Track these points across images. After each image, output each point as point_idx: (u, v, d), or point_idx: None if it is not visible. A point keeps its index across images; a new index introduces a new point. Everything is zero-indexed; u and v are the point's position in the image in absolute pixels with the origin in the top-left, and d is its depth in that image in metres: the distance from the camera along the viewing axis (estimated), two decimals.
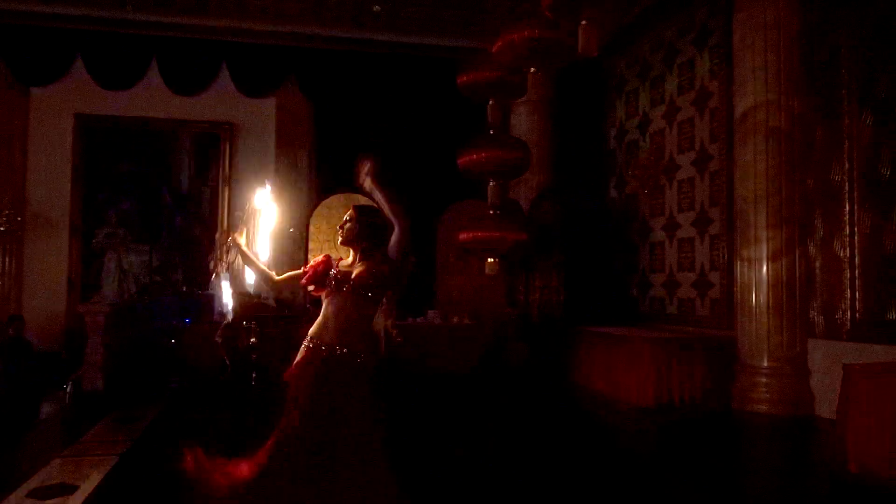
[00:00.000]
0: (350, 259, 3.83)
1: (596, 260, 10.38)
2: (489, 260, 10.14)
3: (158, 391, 7.99)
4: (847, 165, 6.77)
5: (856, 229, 6.70)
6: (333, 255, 3.90)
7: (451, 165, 10.31)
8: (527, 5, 9.29)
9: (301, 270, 3.84)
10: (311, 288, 3.82)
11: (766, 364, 7.32)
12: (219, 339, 8.28)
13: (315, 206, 10.90)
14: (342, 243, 3.88)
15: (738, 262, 7.69)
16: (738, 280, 7.67)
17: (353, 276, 3.69)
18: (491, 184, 10.41)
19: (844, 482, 4.96)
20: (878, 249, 6.49)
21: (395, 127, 11.12)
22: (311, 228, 10.81)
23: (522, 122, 11.34)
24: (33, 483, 4.65)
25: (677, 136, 9.40)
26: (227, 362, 8.18)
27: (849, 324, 6.73)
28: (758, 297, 7.40)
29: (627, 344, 7.96)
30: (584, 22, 7.48)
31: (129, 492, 4.70)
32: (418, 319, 10.01)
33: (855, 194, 6.70)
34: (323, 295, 3.77)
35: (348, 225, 3.85)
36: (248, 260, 3.95)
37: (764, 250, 7.36)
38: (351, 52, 11.34)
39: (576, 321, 9.71)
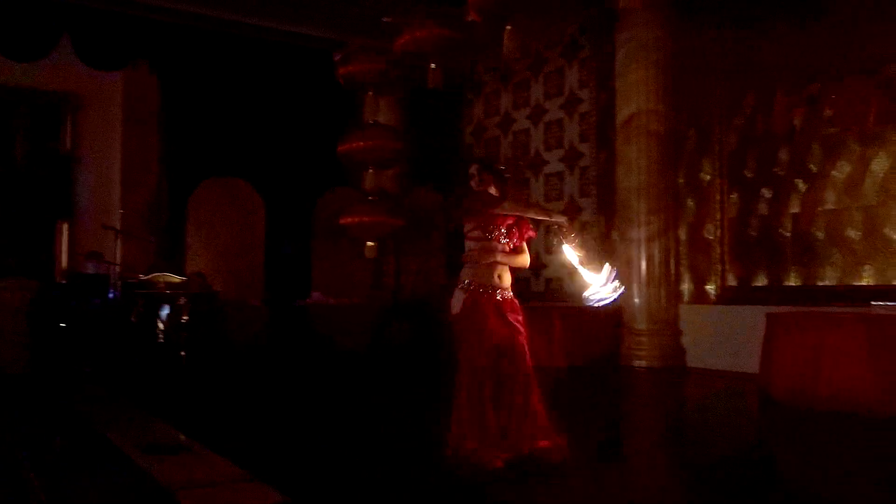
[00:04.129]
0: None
1: None
2: (369, 244, 10.66)
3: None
4: (718, 164, 8.50)
5: (724, 216, 8.44)
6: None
7: (324, 154, 10.64)
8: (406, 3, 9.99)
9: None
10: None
11: (645, 327, 8.82)
12: (134, 320, 7.82)
13: (191, 192, 10.47)
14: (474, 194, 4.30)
15: (621, 243, 9.13)
16: (622, 258, 9.09)
17: (493, 223, 4.18)
18: (370, 171, 10.92)
19: (770, 405, 6.44)
20: (744, 232, 8.27)
21: (263, 114, 11.03)
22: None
23: (380, 114, 11.91)
24: None
25: (544, 135, 10.70)
26: (143, 344, 7.76)
27: (720, 290, 8.46)
28: (638, 270, 8.88)
29: (538, 314, 9.00)
30: (509, 27, 8.46)
31: None
32: (307, 300, 10.16)
33: (724, 187, 8.45)
34: (472, 242, 4.22)
35: (476, 178, 4.27)
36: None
37: (644, 232, 8.86)
38: (213, 32, 10.99)
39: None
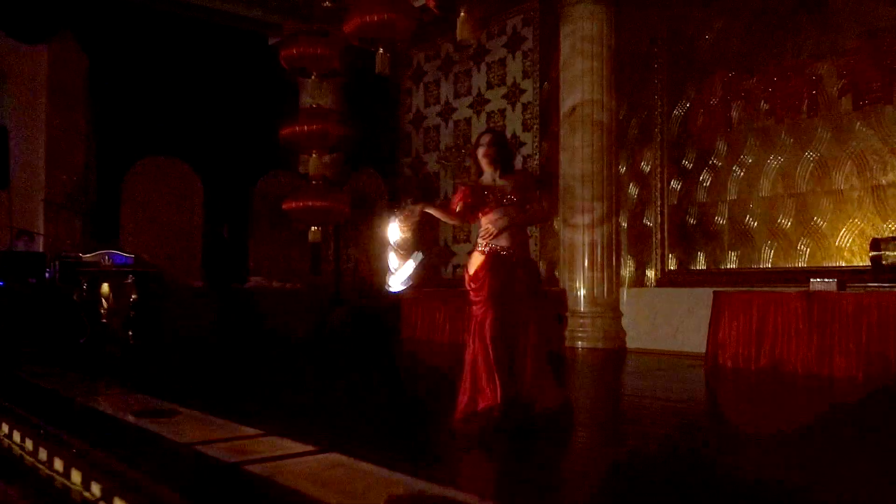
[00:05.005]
0: (487, 178, 4.40)
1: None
2: (312, 228, 10.58)
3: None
4: (658, 153, 8.88)
5: (665, 203, 8.83)
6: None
7: (263, 137, 10.51)
8: None
9: (450, 204, 4.37)
10: (461, 213, 4.34)
11: (588, 310, 9.12)
12: (76, 299, 7.48)
13: (126, 171, 10.09)
14: (485, 166, 4.42)
15: (564, 229, 9.39)
16: (566, 243, 9.37)
17: (508, 190, 4.30)
18: (313, 155, 10.84)
19: (716, 368, 6.81)
20: (683, 219, 8.68)
21: (201, 95, 10.76)
22: None
23: (318, 99, 11.82)
24: None
25: (486, 124, 10.87)
26: (87, 323, 7.43)
27: (660, 274, 8.84)
28: (582, 256, 9.17)
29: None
30: (462, 13, 8.60)
31: None
32: (247, 285, 9.97)
33: (665, 175, 8.83)
34: (481, 214, 4.32)
35: (485, 150, 4.39)
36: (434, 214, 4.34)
37: (587, 219, 9.16)
38: (146, 8, 10.64)
39: None
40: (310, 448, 3.43)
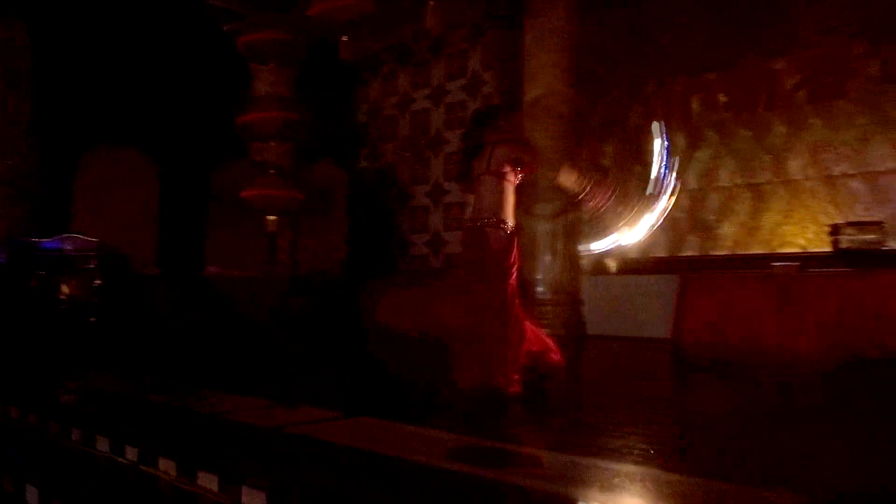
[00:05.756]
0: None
1: (371, 221, 11.32)
2: (269, 217, 10.46)
3: None
4: (620, 144, 9.12)
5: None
6: None
7: (219, 124, 10.30)
8: None
9: None
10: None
11: (549, 297, 9.27)
12: (34, 284, 7.16)
13: (77, 158, 9.70)
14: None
15: (526, 218, 9.51)
16: (528, 233, 9.49)
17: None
18: (271, 144, 10.71)
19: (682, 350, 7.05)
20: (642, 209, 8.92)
21: (156, 81, 10.44)
22: None
23: (274, 87, 11.64)
24: None
25: (445, 115, 10.94)
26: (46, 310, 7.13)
27: (621, 262, 9.06)
28: (544, 244, 9.32)
29: (469, 288, 9.19)
30: (431, 2, 8.67)
31: None
32: (204, 273, 9.75)
33: (626, 166, 9.06)
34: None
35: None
36: None
37: (549, 208, 9.31)
38: None
39: (356, 276, 10.56)
40: (335, 413, 3.42)
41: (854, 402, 4.65)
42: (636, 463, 2.65)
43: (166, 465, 2.65)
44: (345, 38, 9.57)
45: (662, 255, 8.72)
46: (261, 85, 11.19)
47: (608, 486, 2.30)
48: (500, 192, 4.34)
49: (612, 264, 9.22)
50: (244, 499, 2.29)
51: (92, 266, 7.17)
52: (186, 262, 9.86)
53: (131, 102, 10.09)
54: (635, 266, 8.94)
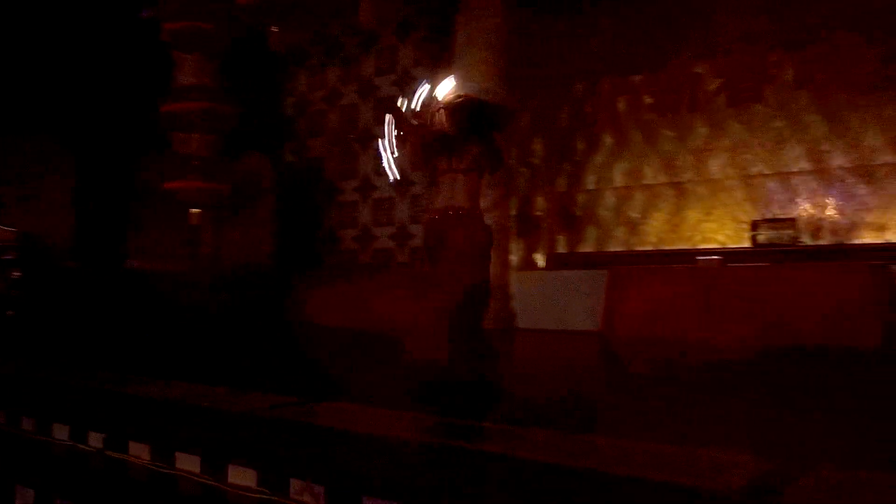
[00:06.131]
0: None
1: (299, 215, 11.16)
2: (193, 210, 10.24)
3: None
4: (548, 143, 9.35)
5: (554, 191, 9.30)
6: None
7: (139, 115, 10.00)
8: None
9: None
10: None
11: None
12: None
13: None
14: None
15: None
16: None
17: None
18: (196, 135, 10.47)
19: (612, 342, 7.29)
20: (571, 206, 9.19)
21: (74, 70, 10.00)
22: None
23: (197, 77, 11.36)
24: None
25: (374, 111, 10.92)
26: None
27: (548, 258, 9.29)
28: None
29: (387, 278, 9.21)
30: None
31: None
32: (125, 266, 9.41)
33: (554, 165, 9.31)
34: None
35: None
36: None
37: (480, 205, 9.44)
38: None
39: (283, 271, 10.40)
40: (299, 399, 3.41)
41: (773, 387, 4.94)
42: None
43: (139, 450, 2.60)
44: (275, 29, 9.42)
45: (588, 250, 8.99)
46: (185, 74, 10.89)
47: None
48: (473, 187, 4.37)
49: (539, 259, 9.44)
50: (232, 478, 2.28)
51: (10, 257, 6.82)
52: (107, 256, 9.49)
53: (46, 90, 9.66)
54: (564, 260, 9.18)
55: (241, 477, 2.25)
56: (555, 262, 9.28)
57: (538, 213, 9.42)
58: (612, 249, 8.80)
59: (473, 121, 4.62)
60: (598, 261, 8.74)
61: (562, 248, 9.27)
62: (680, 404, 3.87)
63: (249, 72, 11.52)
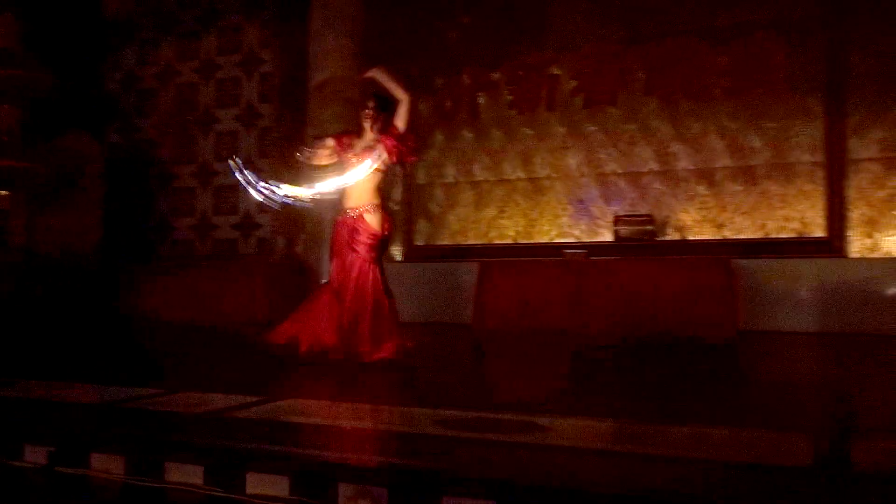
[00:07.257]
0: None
1: (130, 201, 10.15)
2: (1, 192, 9.19)
3: None
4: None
5: (412, 184, 9.22)
6: None
7: None
8: None
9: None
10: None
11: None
12: None
13: None
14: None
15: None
16: (313, 220, 9.23)
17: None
18: (5, 107, 9.35)
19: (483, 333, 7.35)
20: (429, 199, 9.16)
21: None
22: None
23: None
24: None
25: (216, 92, 10.24)
26: None
27: (406, 251, 9.20)
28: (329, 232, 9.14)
29: (238, 270, 8.61)
30: None
31: None
32: None
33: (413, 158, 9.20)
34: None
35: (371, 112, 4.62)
36: None
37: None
38: None
39: (113, 261, 9.46)
40: (253, 399, 3.13)
41: (633, 372, 5.17)
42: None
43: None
44: None
45: (447, 243, 9.01)
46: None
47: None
48: (378, 179, 4.60)
49: (396, 253, 9.33)
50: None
51: None
52: None
53: None
54: (420, 254, 9.14)
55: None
56: (412, 255, 9.21)
57: (395, 207, 9.29)
58: (467, 243, 8.88)
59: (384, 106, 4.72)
60: (457, 254, 8.80)
61: (421, 241, 9.22)
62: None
63: (72, 39, 10.32)
